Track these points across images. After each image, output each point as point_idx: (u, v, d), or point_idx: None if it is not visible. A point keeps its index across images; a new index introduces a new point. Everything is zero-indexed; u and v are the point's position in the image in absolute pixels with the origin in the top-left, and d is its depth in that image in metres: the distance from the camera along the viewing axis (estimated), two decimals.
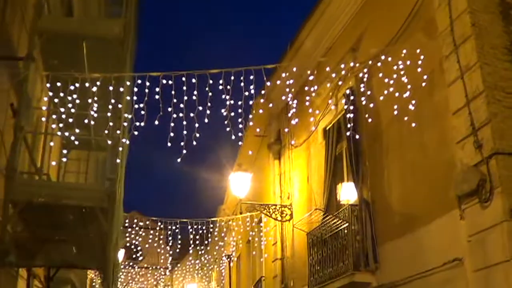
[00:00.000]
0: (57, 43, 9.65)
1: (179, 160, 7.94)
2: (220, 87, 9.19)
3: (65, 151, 12.16)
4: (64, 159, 11.76)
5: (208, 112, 8.80)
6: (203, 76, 8.90)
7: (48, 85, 10.19)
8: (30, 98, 9.86)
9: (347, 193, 12.01)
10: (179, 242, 19.58)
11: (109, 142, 8.90)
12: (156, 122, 8.30)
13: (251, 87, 9.61)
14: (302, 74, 12.90)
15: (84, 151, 13.57)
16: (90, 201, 8.87)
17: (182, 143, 8.14)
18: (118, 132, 8.83)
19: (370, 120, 10.81)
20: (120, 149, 8.90)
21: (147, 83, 8.37)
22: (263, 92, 15.60)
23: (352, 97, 11.49)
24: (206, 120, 8.50)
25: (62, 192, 8.95)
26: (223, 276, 32.64)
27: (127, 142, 9.20)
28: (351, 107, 11.34)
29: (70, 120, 8.59)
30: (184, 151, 8.22)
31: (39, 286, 13.41)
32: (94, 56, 9.72)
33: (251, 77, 9.35)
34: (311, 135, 14.25)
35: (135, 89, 8.40)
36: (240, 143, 9.51)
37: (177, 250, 20.90)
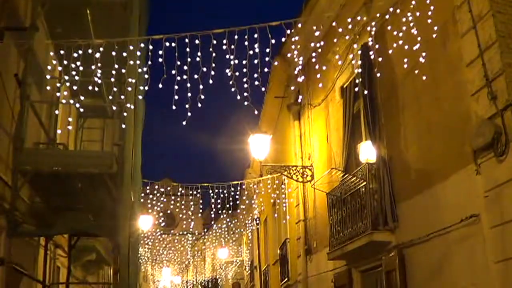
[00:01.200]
0: (60, 12, 9.52)
1: (184, 122, 7.76)
2: (234, 47, 8.82)
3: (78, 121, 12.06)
4: (77, 129, 11.66)
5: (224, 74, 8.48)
6: (219, 37, 8.57)
7: (52, 53, 10.09)
8: (37, 67, 9.80)
9: (365, 151, 11.79)
10: (212, 207, 19.67)
11: (114, 108, 8.79)
12: (176, 87, 8.04)
13: (268, 50, 9.23)
14: (317, 33, 12.64)
15: (101, 119, 13.54)
16: (98, 167, 8.82)
17: (187, 107, 7.95)
18: (122, 97, 8.71)
19: (385, 76, 10.55)
20: (125, 114, 8.79)
21: (163, 44, 8.05)
22: (280, 52, 15.54)
23: (367, 53, 11.22)
24: (210, 82, 8.24)
25: (69, 160, 8.92)
26: (249, 239, 32.91)
27: (132, 107, 9.06)
28: (366, 63, 11.12)
29: (75, 87, 8.48)
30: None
31: (63, 255, 13.55)
32: (99, 23, 9.57)
33: (269, 36, 8.98)
34: (328, 94, 14.08)
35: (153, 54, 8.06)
36: (257, 109, 9.17)
37: (212, 214, 20.89)
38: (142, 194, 21.70)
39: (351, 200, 11.62)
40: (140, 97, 11.05)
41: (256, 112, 8.20)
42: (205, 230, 48.06)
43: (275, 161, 18.93)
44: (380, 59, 10.42)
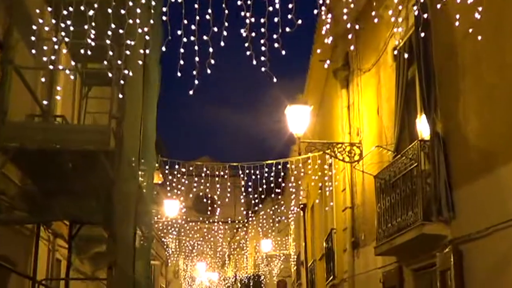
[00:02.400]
0: None
1: (191, 92, 7.76)
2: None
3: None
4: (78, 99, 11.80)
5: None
6: None
7: (49, 8, 10.14)
8: (27, 25, 9.88)
9: (420, 126, 11.66)
10: (249, 191, 19.81)
11: (110, 74, 8.85)
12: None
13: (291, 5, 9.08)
14: None
15: (108, 88, 13.61)
16: (92, 144, 8.91)
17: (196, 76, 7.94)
18: (119, 62, 8.75)
19: (442, 37, 10.42)
20: (126, 82, 8.85)
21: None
22: (325, 7, 15.48)
23: (423, 9, 11.01)
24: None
25: (60, 136, 9.03)
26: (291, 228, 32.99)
27: (131, 73, 9.10)
28: (422, 21, 10.86)
29: (64, 51, 8.56)
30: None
31: (65, 246, 13.77)
32: None
33: None
34: (380, 56, 13.97)
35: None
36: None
37: (255, 200, 21.10)
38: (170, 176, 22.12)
39: (401, 184, 11.51)
40: (151, 62, 11.12)
41: (275, 80, 8.10)
42: (247, 218, 48.43)
43: (321, 137, 18.93)
44: (437, 17, 10.30)
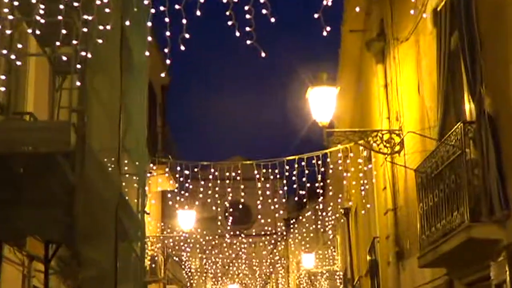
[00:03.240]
0: None
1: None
2: None
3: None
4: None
5: None
6: None
7: None
8: None
9: (467, 105, 11.41)
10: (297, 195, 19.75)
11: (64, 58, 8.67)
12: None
13: None
14: None
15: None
16: (47, 144, 8.74)
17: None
18: (75, 42, 8.56)
19: None
20: (79, 66, 8.65)
21: None
22: None
23: None
24: None
25: (9, 136, 8.88)
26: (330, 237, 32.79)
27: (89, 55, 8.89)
28: None
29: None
30: None
31: (42, 271, 13.62)
32: None
33: None
34: (419, 21, 13.76)
35: None
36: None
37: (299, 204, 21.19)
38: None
39: (445, 178, 11.22)
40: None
41: (263, 55, 7.90)
42: (287, 227, 48.23)
43: (361, 126, 18.69)
44: None
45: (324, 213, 32.67)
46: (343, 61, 21.06)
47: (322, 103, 14.97)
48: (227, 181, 21.59)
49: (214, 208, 26.07)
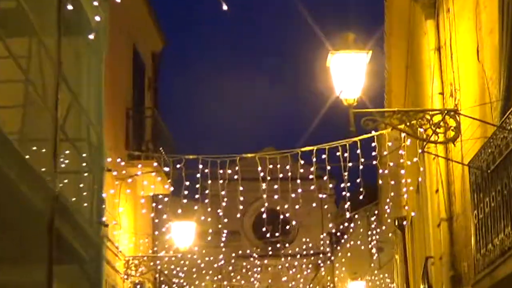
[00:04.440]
0: None
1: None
2: None
3: None
4: None
5: None
6: None
7: None
8: None
9: None
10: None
11: None
12: None
13: None
14: None
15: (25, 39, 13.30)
16: None
17: None
18: None
19: None
20: None
21: None
22: None
23: None
24: None
25: None
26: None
27: None
28: None
29: None
30: None
31: None
32: None
33: None
34: None
35: None
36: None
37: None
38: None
39: (506, 174, 10.83)
40: None
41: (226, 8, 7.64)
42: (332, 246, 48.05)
43: (410, 105, 18.44)
44: None
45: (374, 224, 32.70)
46: (389, 18, 20.97)
47: (347, 73, 14.67)
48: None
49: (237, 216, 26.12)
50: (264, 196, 21.73)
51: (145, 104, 28.80)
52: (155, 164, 23.72)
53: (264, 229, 26.86)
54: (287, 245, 56.32)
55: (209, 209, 24.84)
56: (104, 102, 17.64)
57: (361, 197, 19.44)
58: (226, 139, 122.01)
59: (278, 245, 47.03)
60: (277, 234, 33.97)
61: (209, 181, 20.71)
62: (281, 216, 29.28)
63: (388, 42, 21.14)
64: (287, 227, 54.43)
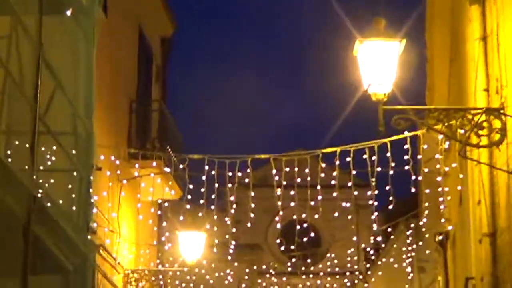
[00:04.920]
0: None
1: None
2: None
3: None
4: None
5: None
6: None
7: None
8: None
9: None
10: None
11: None
12: None
13: None
14: None
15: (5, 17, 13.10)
16: None
17: None
18: None
19: None
20: None
21: None
22: None
23: None
24: None
25: None
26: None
27: None
28: None
29: None
30: None
31: None
32: None
33: None
34: None
35: None
36: None
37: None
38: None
39: None
40: None
41: None
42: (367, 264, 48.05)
43: (453, 103, 19.06)
44: None
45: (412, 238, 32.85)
46: (431, 2, 21.19)
47: (377, 64, 14.58)
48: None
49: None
50: (292, 204, 21.70)
51: (152, 97, 28.41)
52: (165, 168, 23.28)
53: (292, 247, 26.91)
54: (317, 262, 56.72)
55: (226, 219, 24.85)
56: (106, 93, 17.43)
57: (390, 207, 19.08)
58: (237, 140, 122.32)
59: (309, 261, 47.26)
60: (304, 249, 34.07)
61: (229, 185, 20.78)
62: (310, 230, 28.92)
63: (430, 31, 21.34)
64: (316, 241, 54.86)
